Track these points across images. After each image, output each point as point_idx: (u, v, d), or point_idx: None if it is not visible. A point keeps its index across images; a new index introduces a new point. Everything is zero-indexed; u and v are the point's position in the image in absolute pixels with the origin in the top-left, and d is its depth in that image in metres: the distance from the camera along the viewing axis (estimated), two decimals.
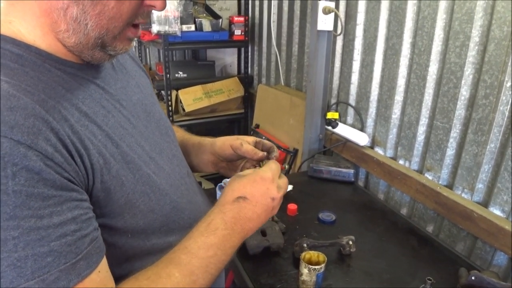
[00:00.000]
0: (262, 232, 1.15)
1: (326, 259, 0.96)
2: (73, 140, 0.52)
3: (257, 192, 0.69)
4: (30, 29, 0.56)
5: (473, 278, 0.96)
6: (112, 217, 0.59)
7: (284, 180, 0.75)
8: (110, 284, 0.55)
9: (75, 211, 0.50)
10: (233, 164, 0.95)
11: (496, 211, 1.17)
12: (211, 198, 1.45)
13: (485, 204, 1.21)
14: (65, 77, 0.58)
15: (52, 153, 0.48)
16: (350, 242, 1.13)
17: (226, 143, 0.89)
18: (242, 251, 1.12)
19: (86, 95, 0.60)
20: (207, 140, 0.95)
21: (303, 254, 0.96)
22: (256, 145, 0.88)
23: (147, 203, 0.64)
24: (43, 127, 0.48)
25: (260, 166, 0.82)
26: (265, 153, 0.85)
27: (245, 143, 0.87)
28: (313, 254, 0.97)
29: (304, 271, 0.93)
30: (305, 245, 1.09)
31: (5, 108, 0.46)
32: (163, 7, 0.60)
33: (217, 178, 2.62)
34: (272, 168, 0.74)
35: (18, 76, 0.52)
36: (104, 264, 0.54)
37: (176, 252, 0.62)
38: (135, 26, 0.61)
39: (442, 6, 1.26)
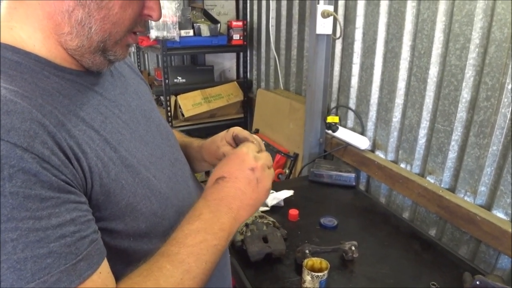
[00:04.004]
0: (264, 239, 1.14)
1: (329, 265, 0.95)
2: (70, 144, 0.53)
3: (233, 168, 0.69)
4: (31, 33, 0.57)
5: (478, 282, 0.95)
6: (112, 219, 0.60)
7: (264, 154, 0.73)
8: (111, 285, 0.55)
9: (73, 213, 0.51)
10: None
11: (499, 214, 1.16)
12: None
13: (488, 207, 1.20)
14: (63, 84, 0.59)
15: (49, 156, 0.49)
16: (353, 248, 1.11)
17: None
18: (244, 258, 1.11)
19: (84, 102, 0.61)
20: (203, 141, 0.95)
21: (305, 261, 0.95)
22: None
23: (148, 206, 0.64)
24: (39, 131, 0.49)
25: None
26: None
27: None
28: (315, 261, 0.96)
29: (307, 278, 0.92)
30: (307, 251, 1.08)
31: (2, 112, 0.47)
32: (159, 18, 0.63)
33: None
34: (247, 145, 0.73)
35: (16, 82, 0.53)
36: (105, 265, 0.55)
37: (166, 245, 0.61)
38: (134, 33, 0.64)
39: (442, 8, 1.25)
